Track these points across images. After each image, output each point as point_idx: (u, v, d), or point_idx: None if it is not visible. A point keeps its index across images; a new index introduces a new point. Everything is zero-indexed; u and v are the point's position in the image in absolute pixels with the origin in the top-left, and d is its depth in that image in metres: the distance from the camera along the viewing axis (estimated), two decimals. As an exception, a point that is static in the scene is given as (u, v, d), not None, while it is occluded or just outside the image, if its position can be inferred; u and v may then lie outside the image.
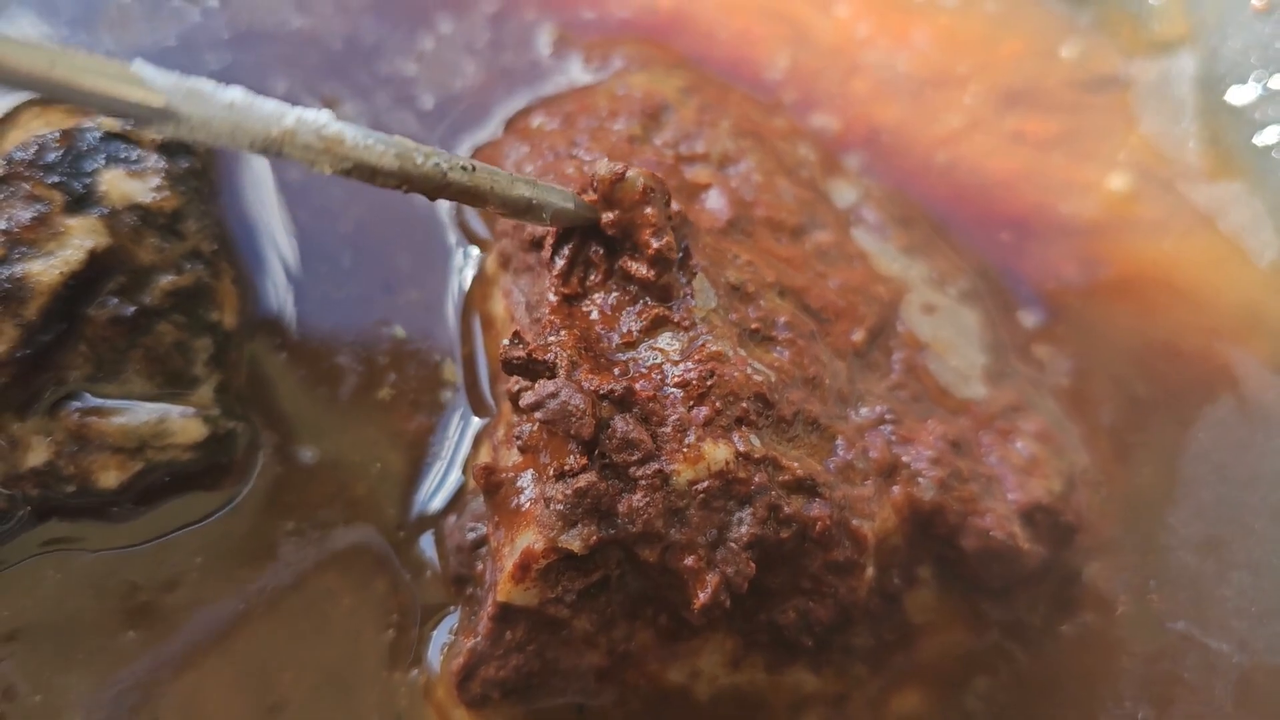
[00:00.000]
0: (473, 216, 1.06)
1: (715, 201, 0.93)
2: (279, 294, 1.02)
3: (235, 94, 0.63)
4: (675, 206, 0.83)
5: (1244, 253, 1.13)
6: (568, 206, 0.81)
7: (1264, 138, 1.17)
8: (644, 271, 0.81)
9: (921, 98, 1.17)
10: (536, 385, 0.77)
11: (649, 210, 0.81)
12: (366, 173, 0.70)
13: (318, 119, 0.66)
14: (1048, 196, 1.14)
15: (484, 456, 0.93)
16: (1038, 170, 1.15)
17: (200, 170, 0.97)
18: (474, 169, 0.75)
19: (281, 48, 1.11)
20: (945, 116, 1.16)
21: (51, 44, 0.56)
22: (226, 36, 1.11)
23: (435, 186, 0.73)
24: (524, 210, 0.79)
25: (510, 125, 1.10)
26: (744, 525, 0.77)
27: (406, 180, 0.72)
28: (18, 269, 0.86)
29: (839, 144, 1.13)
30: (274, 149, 0.65)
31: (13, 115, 1.04)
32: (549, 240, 0.85)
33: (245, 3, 1.13)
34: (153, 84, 0.60)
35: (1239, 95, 1.19)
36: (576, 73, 1.14)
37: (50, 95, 0.59)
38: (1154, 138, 1.18)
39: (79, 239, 0.89)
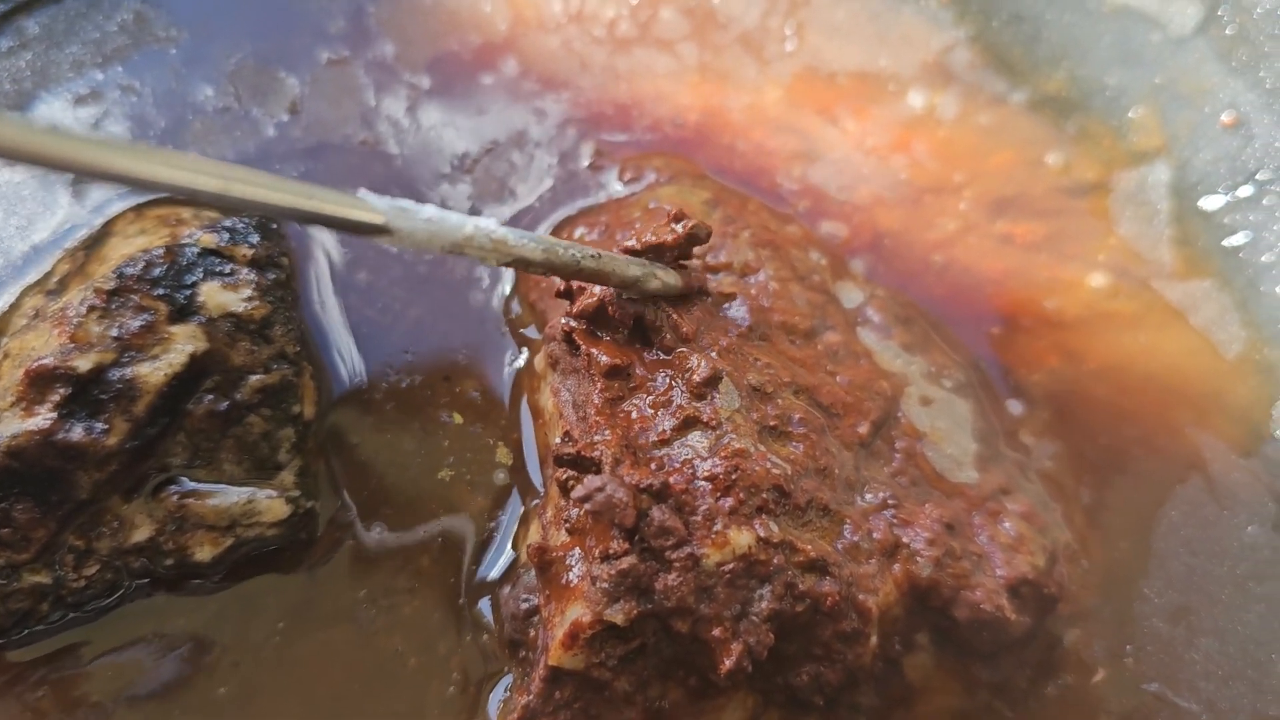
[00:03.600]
0: (519, 317, 1.15)
1: (738, 310, 1.02)
2: (351, 386, 1.10)
3: (430, 210, 0.75)
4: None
5: (1213, 345, 1.19)
6: (669, 280, 0.95)
7: (1232, 240, 1.23)
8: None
9: (920, 204, 1.24)
10: (585, 480, 0.85)
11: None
12: (522, 264, 0.83)
13: (488, 226, 0.78)
14: (1034, 294, 1.20)
15: (534, 535, 1.00)
16: (1025, 270, 1.22)
17: (285, 281, 1.06)
18: (599, 256, 0.89)
19: (348, 159, 1.22)
20: (941, 221, 1.23)
21: (294, 180, 0.67)
22: (299, 148, 1.21)
23: (572, 271, 0.87)
24: (633, 284, 0.93)
25: (554, 234, 1.18)
26: (764, 601, 0.84)
27: (551, 268, 0.85)
28: (128, 371, 0.95)
29: (846, 249, 1.21)
30: (458, 250, 0.77)
31: (110, 223, 1.14)
32: (585, 347, 0.95)
33: (315, 117, 1.24)
34: (375, 206, 0.71)
35: (1210, 202, 1.25)
36: (614, 185, 1.22)
37: (297, 221, 0.71)
38: (1131, 240, 1.24)
39: (181, 344, 0.97)
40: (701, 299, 0.99)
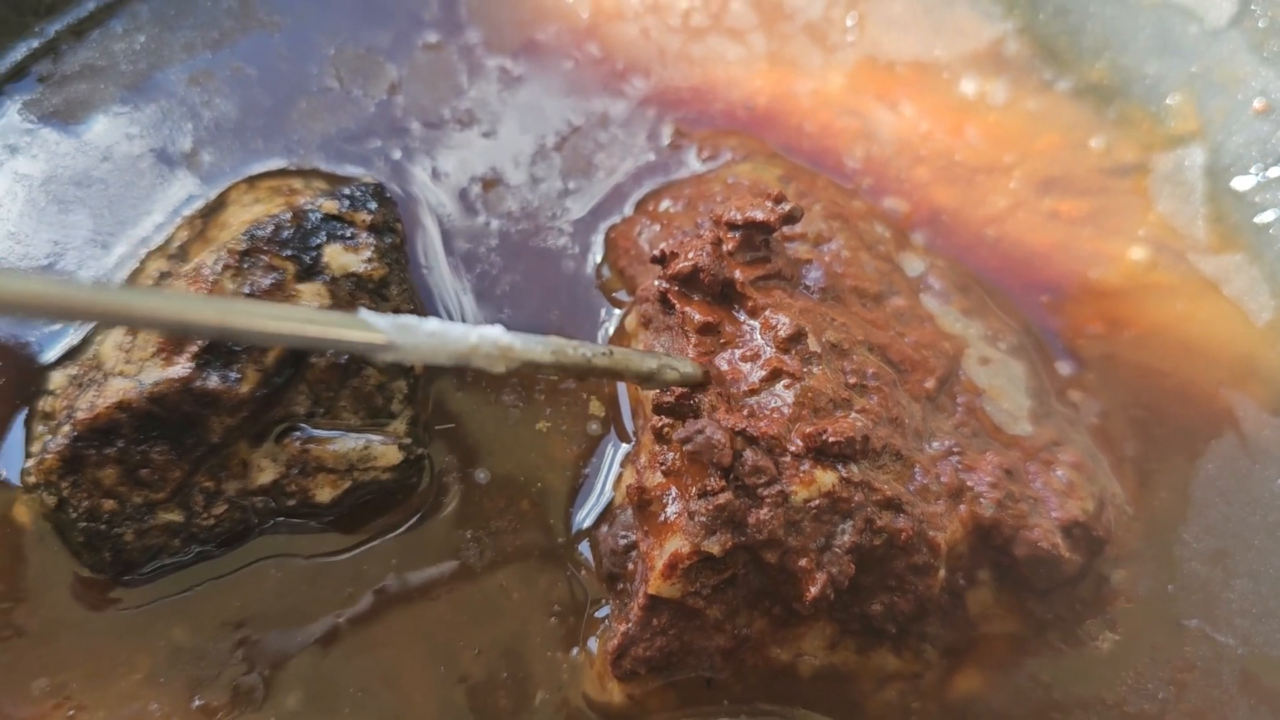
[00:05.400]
0: (609, 281, 1.21)
1: (814, 274, 1.08)
2: (455, 344, 1.18)
3: (432, 324, 0.73)
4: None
5: (1244, 314, 1.24)
6: (686, 370, 0.95)
7: (1262, 218, 1.28)
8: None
9: (973, 183, 1.29)
10: (685, 423, 0.92)
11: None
12: (531, 368, 0.81)
13: (493, 334, 0.77)
14: (1079, 265, 1.25)
15: (630, 478, 1.05)
16: (1070, 243, 1.27)
17: (399, 245, 1.12)
18: (611, 353, 0.88)
19: (445, 136, 1.28)
20: (993, 199, 1.28)
21: (297, 308, 0.66)
22: (399, 126, 1.27)
23: (584, 370, 0.86)
24: (649, 378, 0.92)
25: (640, 207, 1.24)
26: (846, 534, 0.90)
27: (561, 369, 0.84)
28: (259, 325, 1.03)
29: (907, 223, 1.26)
30: (464, 361, 0.75)
31: (225, 194, 1.21)
32: (679, 306, 1.03)
33: (413, 98, 1.30)
34: (376, 326, 0.71)
35: (1242, 183, 1.30)
36: (693, 162, 1.28)
37: (300, 347, 0.75)
38: (1169, 216, 1.29)
39: (307, 301, 1.03)
40: (712, 385, 0.98)
